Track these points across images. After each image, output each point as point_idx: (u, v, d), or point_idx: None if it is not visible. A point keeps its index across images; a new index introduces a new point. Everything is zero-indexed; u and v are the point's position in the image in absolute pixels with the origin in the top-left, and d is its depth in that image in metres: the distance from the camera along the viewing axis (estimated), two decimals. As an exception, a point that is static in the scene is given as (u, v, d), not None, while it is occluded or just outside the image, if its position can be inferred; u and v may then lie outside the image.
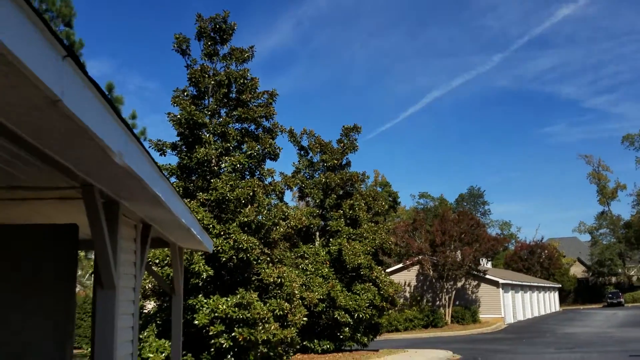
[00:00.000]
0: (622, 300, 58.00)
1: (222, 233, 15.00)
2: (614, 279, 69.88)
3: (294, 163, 23.71)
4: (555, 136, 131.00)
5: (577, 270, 75.13)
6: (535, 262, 64.17)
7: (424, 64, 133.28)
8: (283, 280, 15.48)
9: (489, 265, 49.26)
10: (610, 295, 58.97)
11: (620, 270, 68.96)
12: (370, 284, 20.45)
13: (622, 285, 67.63)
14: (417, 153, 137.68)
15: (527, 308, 46.64)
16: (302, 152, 23.71)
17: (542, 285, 52.97)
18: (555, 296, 60.18)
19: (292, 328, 15.08)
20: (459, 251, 36.84)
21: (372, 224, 22.12)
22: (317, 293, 18.33)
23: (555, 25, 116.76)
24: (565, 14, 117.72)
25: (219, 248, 14.62)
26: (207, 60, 17.96)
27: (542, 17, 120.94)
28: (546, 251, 66.03)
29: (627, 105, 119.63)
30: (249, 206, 15.56)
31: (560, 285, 62.33)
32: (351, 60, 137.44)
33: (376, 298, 20.03)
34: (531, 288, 49.04)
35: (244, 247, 14.64)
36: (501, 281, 39.59)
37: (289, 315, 15.21)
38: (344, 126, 23.50)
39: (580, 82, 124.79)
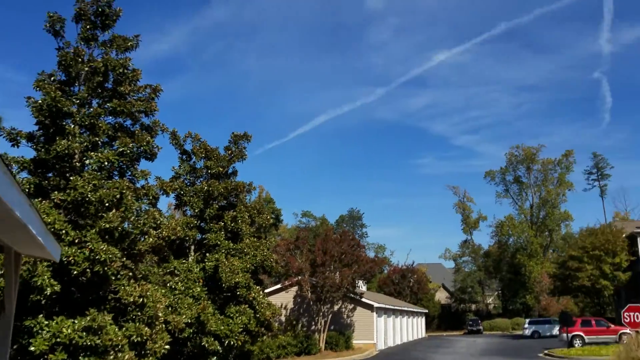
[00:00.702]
0: (481, 327, 61.74)
1: (76, 241, 12.68)
2: (473, 306, 74.68)
3: (173, 167, 21.70)
4: (426, 167, 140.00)
5: (441, 296, 79.34)
6: (405, 287, 66.48)
7: (316, 88, 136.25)
8: (146, 300, 13.43)
9: (364, 288, 49.85)
10: (471, 323, 62.52)
11: (479, 298, 73.93)
12: (247, 305, 18.92)
13: (480, 313, 72.39)
14: (302, 173, 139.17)
15: (397, 333, 47.60)
16: (184, 157, 21.78)
17: (412, 310, 54.64)
18: (422, 321, 62.56)
19: (151, 357, 13.03)
20: (338, 272, 36.53)
21: (255, 239, 20.72)
22: (184, 316, 16.37)
23: (433, 68, 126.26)
24: (440, 59, 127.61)
25: (70, 259, 12.30)
26: (84, 45, 15.74)
27: (421, 60, 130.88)
28: (415, 276, 68.79)
29: (487, 145, 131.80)
30: (114, 210, 13.42)
31: (427, 311, 65.06)
32: (245, 75, 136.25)
33: (251, 322, 18.53)
34: (402, 313, 50.28)
35: (102, 259, 12.47)
36: (375, 305, 39.89)
37: (148, 343, 13.12)
38: (233, 133, 22.04)
39: (450, 121, 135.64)
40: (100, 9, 15.97)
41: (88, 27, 15.84)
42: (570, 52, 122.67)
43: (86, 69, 15.30)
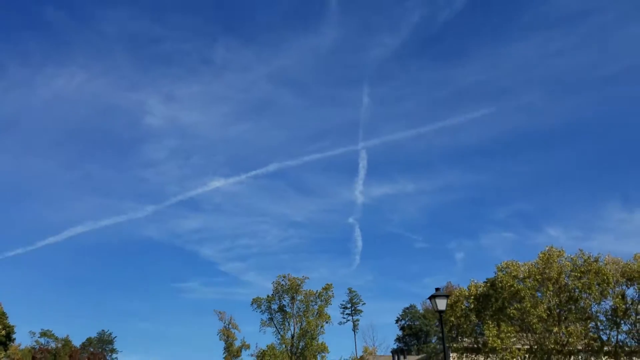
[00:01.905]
0: None
1: None
2: None
3: None
4: (192, 292, 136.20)
5: None
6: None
7: (76, 196, 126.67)
8: None
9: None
10: None
11: None
12: None
13: None
14: (48, 288, 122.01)
15: None
16: None
17: None
18: None
19: None
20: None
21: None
22: None
23: (207, 193, 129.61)
24: (216, 186, 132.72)
25: None
26: None
27: (197, 184, 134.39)
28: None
29: (253, 275, 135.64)
30: None
31: None
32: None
33: None
34: None
35: None
36: None
37: None
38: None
39: (219, 247, 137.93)
40: None
41: None
42: (331, 197, 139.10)
43: None
